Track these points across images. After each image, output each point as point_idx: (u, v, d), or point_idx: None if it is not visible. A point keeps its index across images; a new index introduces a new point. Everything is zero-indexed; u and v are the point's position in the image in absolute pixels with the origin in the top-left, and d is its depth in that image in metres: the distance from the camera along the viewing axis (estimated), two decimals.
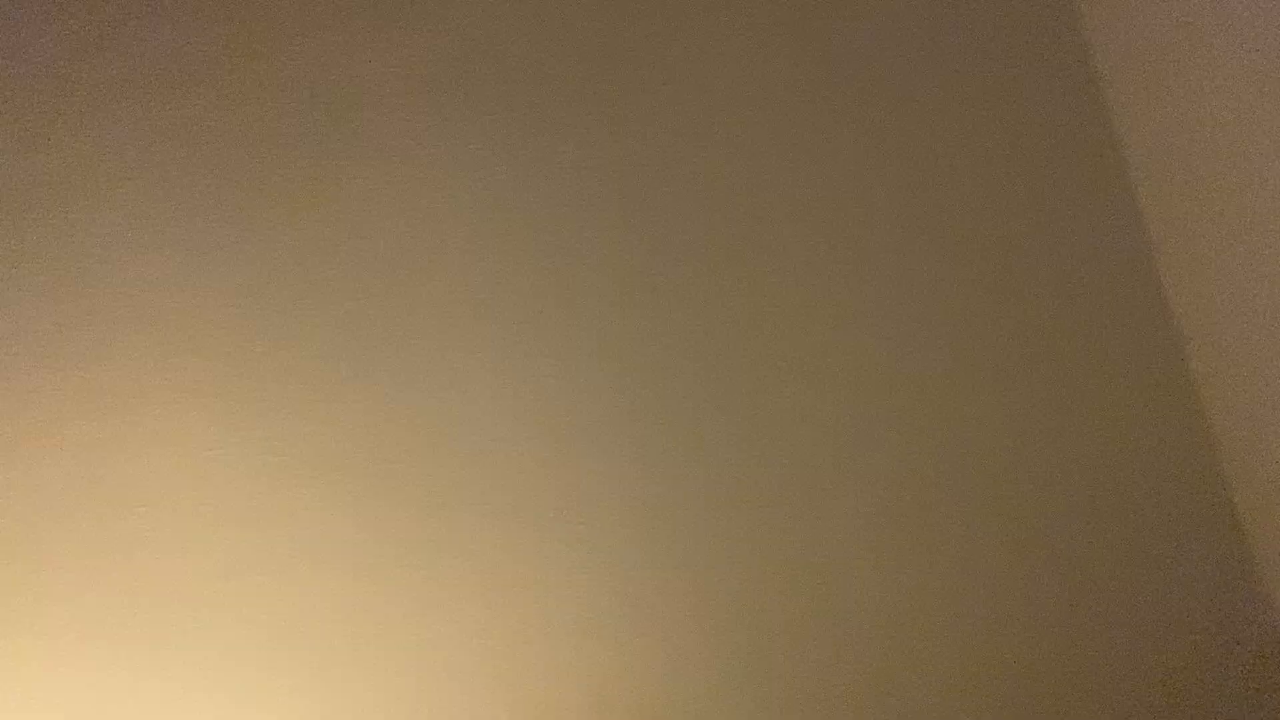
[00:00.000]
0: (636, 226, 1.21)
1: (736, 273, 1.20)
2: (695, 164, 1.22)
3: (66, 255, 1.16)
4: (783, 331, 1.20)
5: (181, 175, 1.18)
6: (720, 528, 1.17)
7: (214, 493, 1.14)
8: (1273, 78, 0.93)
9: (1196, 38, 1.04)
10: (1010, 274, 1.21)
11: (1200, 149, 1.09)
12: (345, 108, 1.20)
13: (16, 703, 1.11)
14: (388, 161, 1.20)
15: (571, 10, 1.23)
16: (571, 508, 1.16)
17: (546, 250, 1.20)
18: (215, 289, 1.17)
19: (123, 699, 1.12)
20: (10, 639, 1.11)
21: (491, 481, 1.17)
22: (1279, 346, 1.04)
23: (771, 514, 1.18)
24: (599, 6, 1.23)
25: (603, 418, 1.18)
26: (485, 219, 1.20)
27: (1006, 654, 1.18)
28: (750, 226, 1.21)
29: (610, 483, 1.17)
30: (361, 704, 1.14)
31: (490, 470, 1.17)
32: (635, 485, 1.17)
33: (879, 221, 1.21)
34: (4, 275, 1.14)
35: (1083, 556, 1.19)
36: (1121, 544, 1.19)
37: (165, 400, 1.15)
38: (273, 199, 1.18)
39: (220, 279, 1.17)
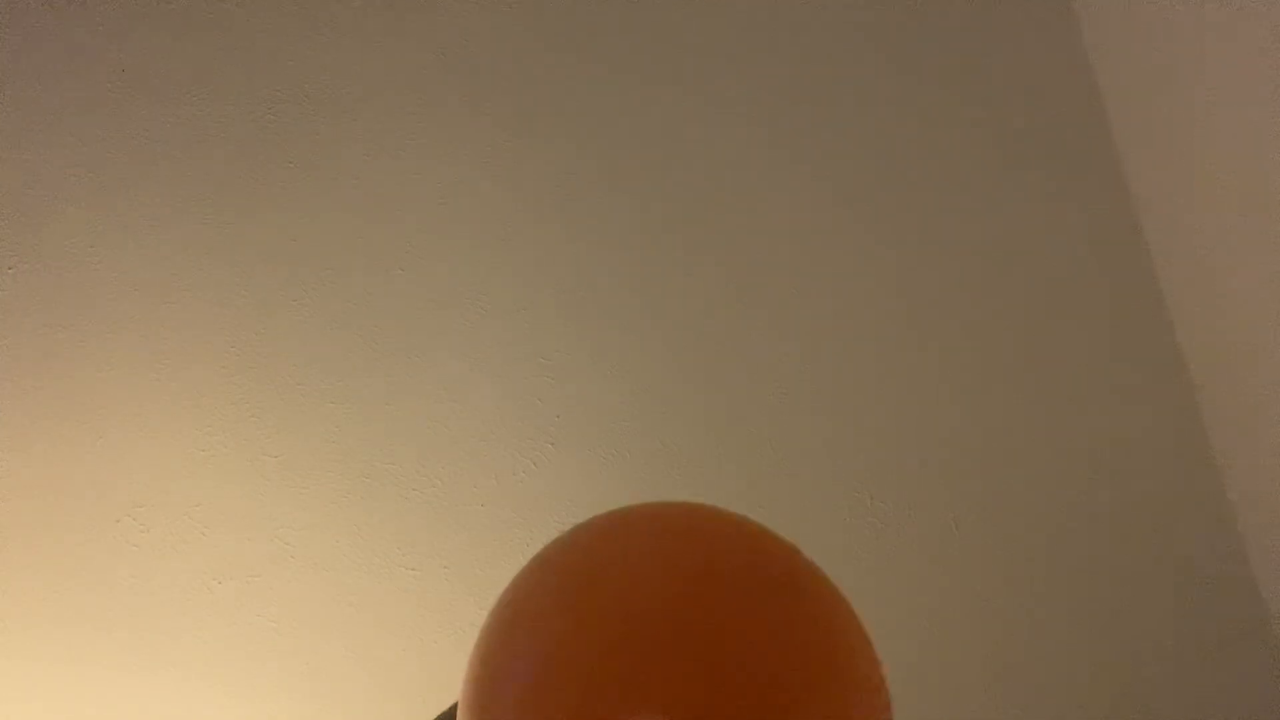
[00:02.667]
0: (635, 222, 1.21)
1: (736, 283, 1.20)
2: (693, 165, 1.22)
3: (60, 257, 1.15)
4: (776, 334, 1.20)
5: (175, 178, 1.18)
6: None
7: (206, 494, 1.14)
8: (1266, 79, 0.93)
9: (1190, 40, 1.04)
10: (1008, 276, 1.21)
11: (1196, 149, 1.09)
12: (340, 110, 1.20)
13: (8, 700, 1.11)
14: (381, 164, 1.20)
15: (561, 10, 1.23)
16: (564, 509, 1.16)
17: (542, 250, 1.20)
18: (209, 291, 1.17)
19: (113, 695, 1.12)
20: (4, 637, 1.11)
21: (484, 483, 1.17)
22: (1274, 346, 1.04)
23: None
24: (589, 6, 1.23)
25: (597, 421, 1.18)
26: (481, 219, 1.20)
27: (1003, 653, 1.18)
28: (745, 232, 1.21)
29: (601, 486, 1.17)
30: (352, 703, 1.14)
31: (483, 472, 1.17)
32: (626, 486, 1.17)
33: (877, 221, 1.22)
34: None
35: (1080, 557, 1.19)
36: (1119, 547, 1.19)
37: (158, 402, 1.15)
38: (266, 202, 1.18)
39: (214, 281, 1.17)
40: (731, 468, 1.18)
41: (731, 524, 0.59)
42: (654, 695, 0.47)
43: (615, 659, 0.48)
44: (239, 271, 1.17)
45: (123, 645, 1.12)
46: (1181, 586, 1.19)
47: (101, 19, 1.19)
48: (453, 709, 0.61)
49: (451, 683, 1.20)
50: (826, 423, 1.19)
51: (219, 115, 1.19)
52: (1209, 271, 1.13)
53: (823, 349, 1.20)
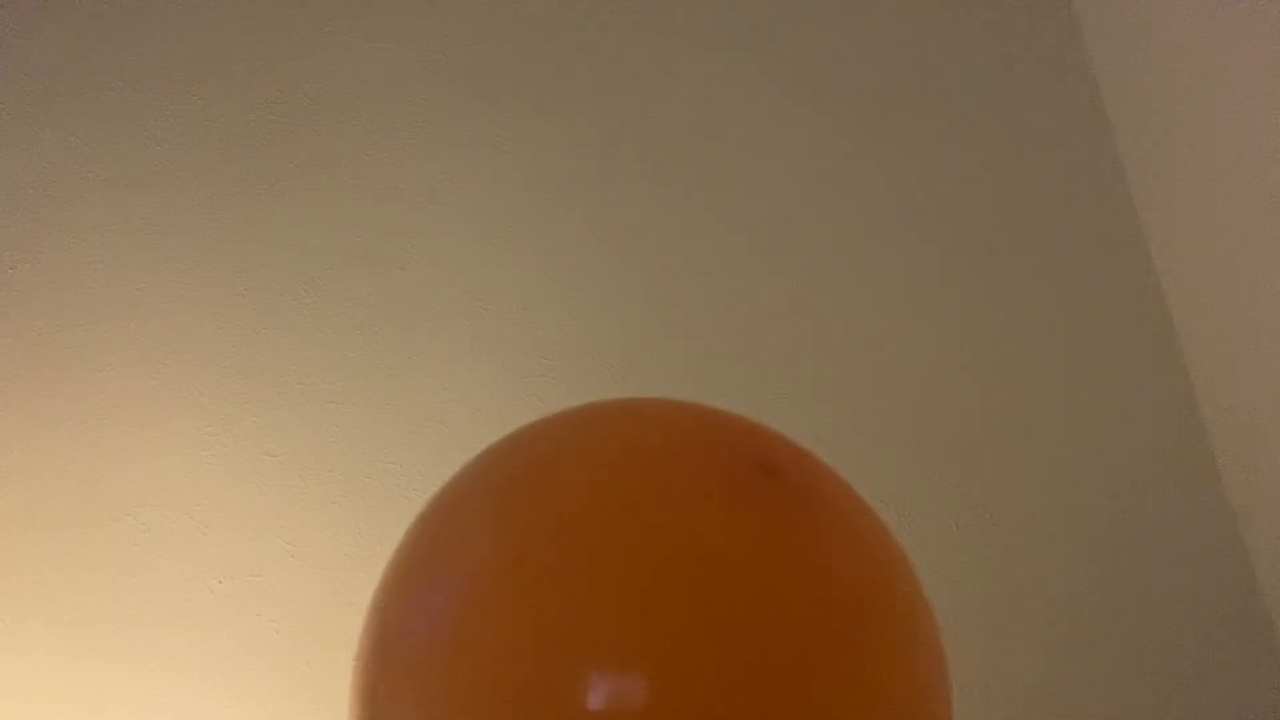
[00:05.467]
0: (637, 221, 1.21)
1: (740, 283, 1.20)
2: (699, 161, 1.22)
3: (59, 256, 1.15)
4: (780, 336, 1.20)
5: (175, 177, 1.18)
6: None
7: (207, 494, 1.14)
8: (1266, 77, 0.93)
9: (1190, 38, 1.04)
10: (1008, 274, 1.21)
11: (1195, 148, 1.09)
12: (341, 109, 1.20)
13: (7, 702, 1.11)
14: (382, 160, 1.20)
15: (562, 7, 1.23)
16: None
17: (543, 249, 1.20)
18: (209, 290, 1.17)
19: (115, 698, 1.11)
20: (5, 638, 1.11)
21: None
22: (1275, 348, 1.04)
23: None
24: (581, 5, 1.23)
25: None
26: (482, 218, 1.20)
27: (1000, 655, 1.18)
28: (754, 235, 1.21)
29: None
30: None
31: None
32: None
33: (876, 216, 1.21)
34: None
35: (1081, 558, 1.19)
36: (1120, 548, 1.19)
37: (158, 402, 1.15)
38: (266, 201, 1.18)
39: (214, 281, 1.17)
40: None
41: (702, 413, 0.45)
42: (616, 637, 0.33)
43: (562, 585, 0.34)
44: (239, 271, 1.17)
45: (122, 644, 1.12)
46: (1182, 589, 1.18)
47: (101, 18, 1.19)
48: None
49: None
50: (827, 424, 1.19)
51: (218, 114, 1.19)
52: (1210, 271, 1.13)
53: (825, 352, 1.20)
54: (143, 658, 1.12)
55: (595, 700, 0.31)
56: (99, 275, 1.15)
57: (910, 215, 1.21)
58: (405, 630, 0.38)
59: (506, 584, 0.34)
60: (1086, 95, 1.23)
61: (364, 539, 1.14)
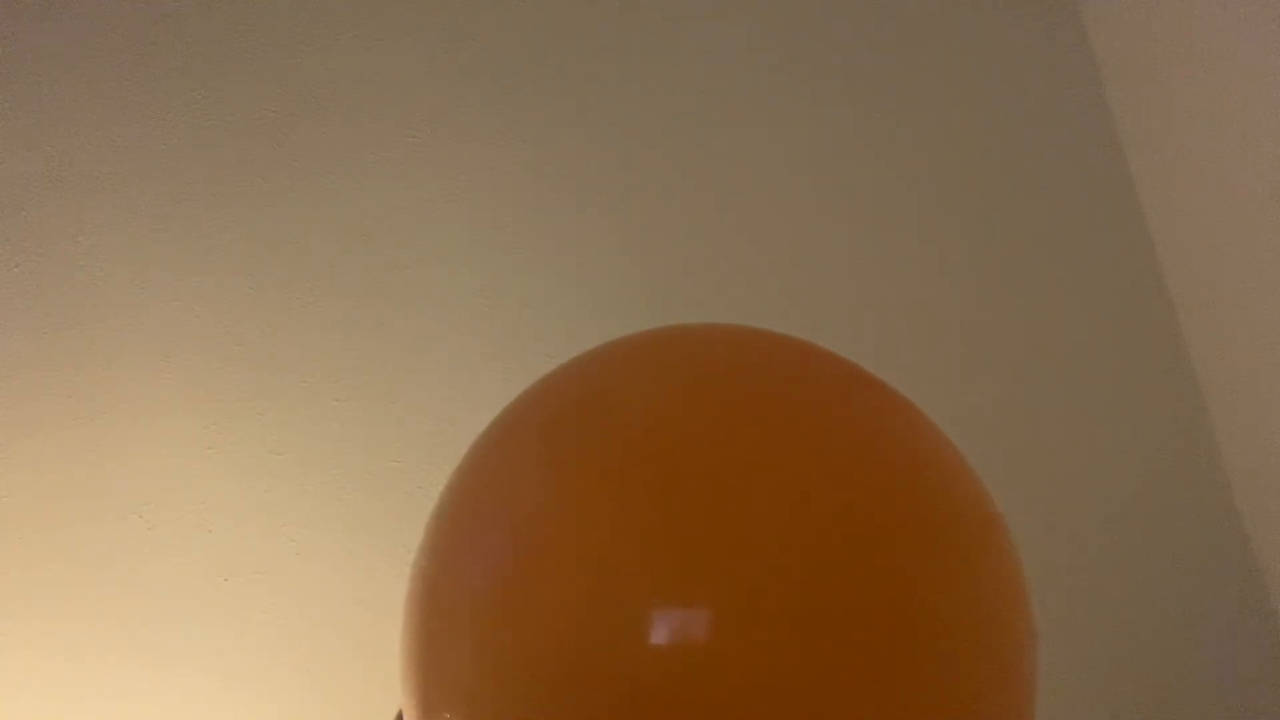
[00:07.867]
0: (642, 217, 1.20)
1: (743, 282, 1.20)
2: (699, 164, 1.21)
3: (63, 255, 1.15)
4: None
5: (179, 175, 1.18)
6: None
7: (213, 491, 1.14)
8: (1269, 78, 0.93)
9: (1195, 38, 1.03)
10: (1010, 277, 1.21)
11: (1201, 148, 1.08)
12: (345, 104, 1.20)
13: (14, 700, 1.11)
14: (387, 158, 1.20)
15: (560, 4, 1.23)
16: None
17: (548, 246, 1.20)
18: (214, 289, 1.17)
19: (120, 695, 1.12)
20: (9, 636, 1.11)
21: None
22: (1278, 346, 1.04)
23: None
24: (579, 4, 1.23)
25: None
26: (485, 214, 1.20)
27: None
28: (751, 228, 1.21)
29: None
30: (358, 700, 1.14)
31: None
32: None
33: (877, 214, 1.21)
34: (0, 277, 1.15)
35: (1082, 556, 1.19)
36: (1123, 542, 1.19)
37: (164, 400, 1.15)
38: (271, 199, 1.18)
39: (219, 278, 1.17)
40: None
41: (764, 335, 0.40)
42: (679, 573, 0.30)
43: (621, 522, 0.31)
44: (244, 269, 1.17)
45: (129, 641, 1.12)
46: (1188, 589, 1.18)
47: (103, 18, 1.19)
48: None
49: None
50: None
51: (223, 112, 1.19)
52: (1216, 272, 1.12)
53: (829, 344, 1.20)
54: (148, 655, 1.12)
55: (660, 638, 0.28)
56: (103, 273, 1.16)
57: (911, 215, 1.21)
58: (459, 573, 0.34)
59: (563, 521, 0.31)
60: (1092, 94, 1.23)
61: (369, 537, 1.14)
